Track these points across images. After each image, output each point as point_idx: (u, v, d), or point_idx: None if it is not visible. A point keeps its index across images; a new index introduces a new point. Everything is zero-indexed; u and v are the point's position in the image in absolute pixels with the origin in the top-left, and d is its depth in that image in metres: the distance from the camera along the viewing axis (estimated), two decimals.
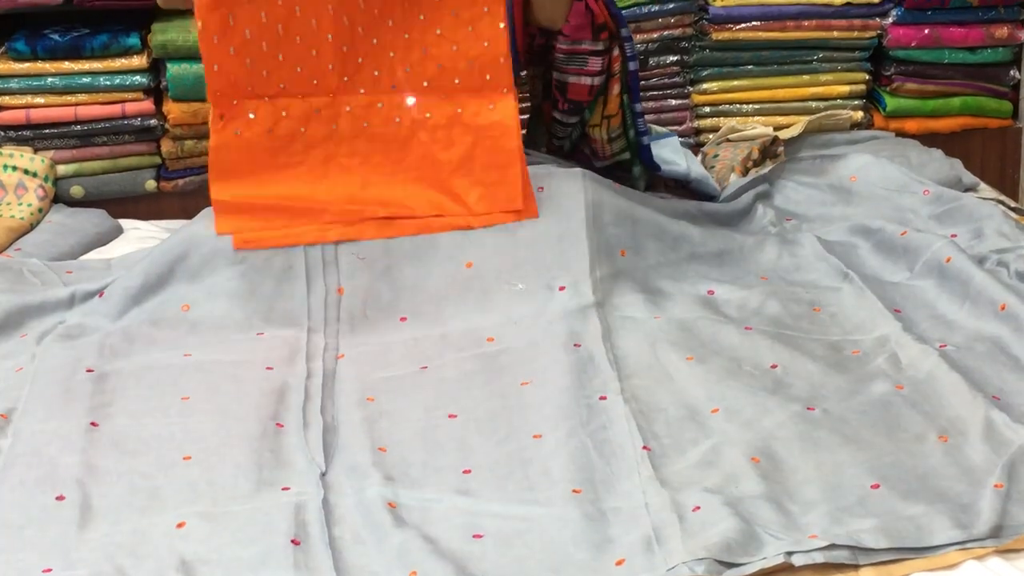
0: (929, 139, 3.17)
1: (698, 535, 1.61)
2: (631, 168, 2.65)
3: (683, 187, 2.70)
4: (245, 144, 2.35)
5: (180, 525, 1.71)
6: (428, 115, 2.38)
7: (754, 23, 3.28)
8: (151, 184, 3.19)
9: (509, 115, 2.37)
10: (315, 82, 2.38)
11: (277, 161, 2.36)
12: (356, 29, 2.38)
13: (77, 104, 3.11)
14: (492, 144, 2.38)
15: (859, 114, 3.32)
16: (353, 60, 2.39)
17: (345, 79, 2.39)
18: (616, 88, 2.61)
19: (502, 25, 2.36)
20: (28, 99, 3.10)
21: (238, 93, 2.35)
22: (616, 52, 2.59)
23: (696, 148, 3.22)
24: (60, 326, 2.30)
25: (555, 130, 2.70)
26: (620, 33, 2.58)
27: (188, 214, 2.61)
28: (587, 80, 2.60)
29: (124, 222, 3.01)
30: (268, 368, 2.13)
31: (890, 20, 3.31)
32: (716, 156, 2.98)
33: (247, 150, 2.35)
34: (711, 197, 2.70)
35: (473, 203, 2.36)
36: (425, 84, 2.39)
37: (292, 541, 1.65)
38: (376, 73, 2.39)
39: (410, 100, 2.39)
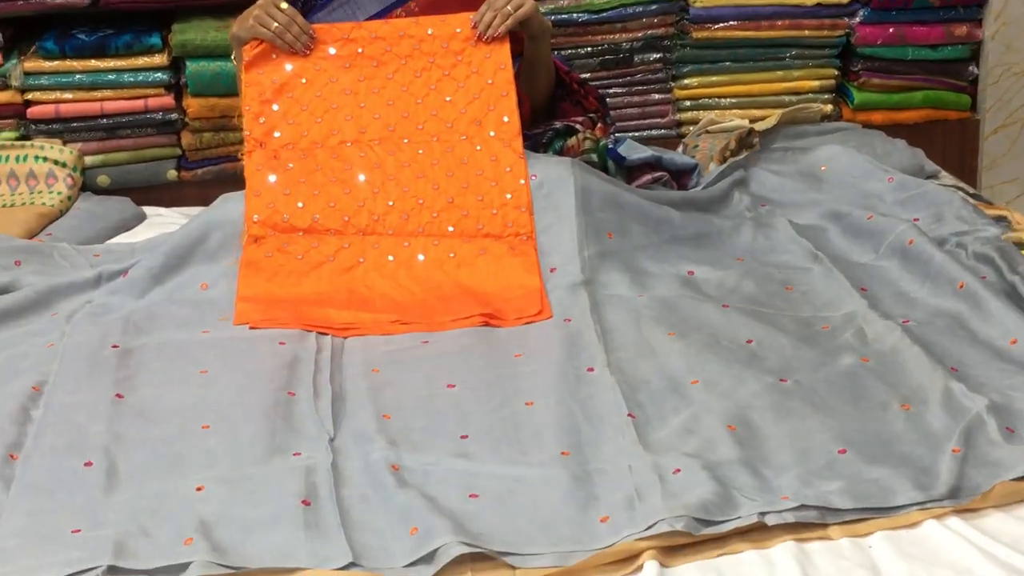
0: (893, 130, 3.17)
1: (678, 496, 1.61)
2: (604, 168, 2.63)
3: (659, 180, 2.67)
4: (275, 264, 2.33)
5: (199, 488, 1.71)
6: (452, 255, 2.34)
7: (731, 23, 3.28)
8: (172, 174, 3.19)
9: (530, 255, 2.32)
10: (346, 219, 2.37)
11: (302, 281, 2.32)
12: (387, 176, 2.40)
13: (103, 99, 3.11)
14: (515, 271, 2.31)
15: (829, 107, 3.33)
16: (383, 202, 2.38)
17: (375, 218, 2.37)
18: (599, 135, 2.66)
19: (523, 182, 2.37)
20: (57, 95, 3.10)
21: (276, 228, 2.35)
22: (600, 125, 2.67)
23: (678, 140, 3.23)
24: (88, 305, 2.30)
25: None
26: (606, 119, 2.68)
27: (206, 201, 2.61)
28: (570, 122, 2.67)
29: (147, 209, 3.01)
30: (280, 343, 2.13)
31: (857, 19, 3.31)
32: (696, 147, 2.98)
33: (276, 270, 2.32)
34: (688, 172, 2.69)
35: (491, 311, 2.23)
36: (450, 229, 2.36)
37: (303, 502, 1.65)
38: (404, 217, 2.37)
39: (435, 242, 2.35)
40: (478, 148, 2.42)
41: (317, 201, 2.38)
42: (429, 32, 2.47)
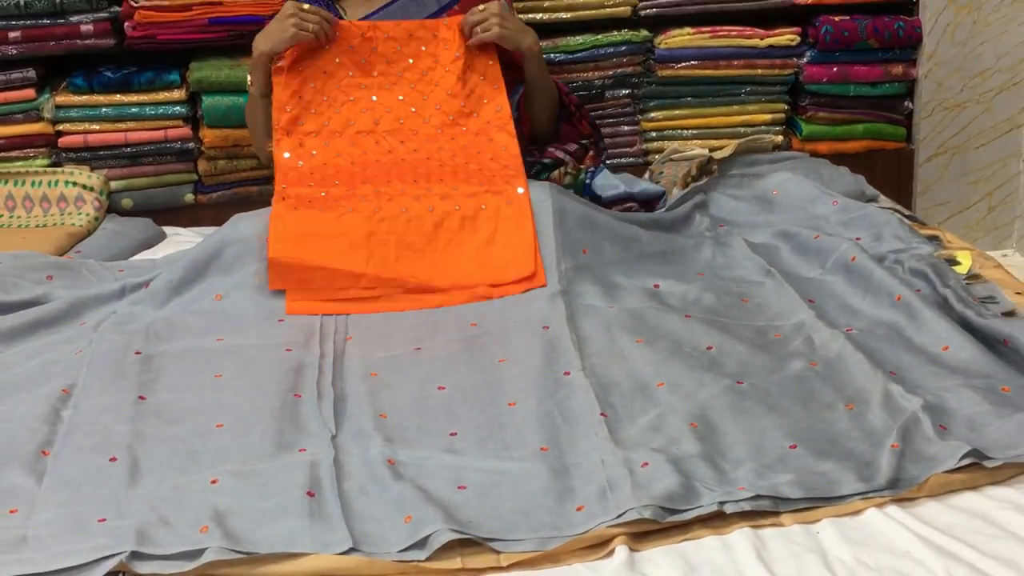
0: (838, 159, 3.17)
1: (646, 487, 1.61)
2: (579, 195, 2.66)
3: (629, 209, 2.69)
4: (299, 218, 2.34)
5: (214, 482, 1.70)
6: (457, 207, 2.36)
7: (692, 62, 3.29)
8: (189, 197, 3.18)
9: (524, 208, 2.36)
10: (364, 181, 2.42)
11: (326, 230, 2.33)
12: (399, 158, 2.46)
13: (127, 130, 3.10)
14: (511, 227, 2.36)
15: (779, 138, 3.33)
16: (397, 172, 2.44)
17: (389, 181, 2.42)
18: (589, 163, 2.72)
19: (515, 154, 2.44)
20: (86, 126, 3.09)
21: (300, 191, 2.39)
22: (592, 152, 2.73)
23: (644, 167, 3.23)
24: (113, 315, 2.29)
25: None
26: (599, 144, 2.74)
27: (220, 222, 2.60)
28: (560, 152, 2.70)
29: (167, 229, 2.99)
30: (288, 349, 2.12)
31: (805, 60, 3.32)
32: (661, 173, 2.98)
33: (301, 222, 2.33)
34: (657, 196, 2.70)
35: (492, 276, 2.31)
36: (455, 190, 2.40)
37: (308, 493, 1.65)
38: (415, 181, 2.42)
39: (442, 197, 2.38)
40: (476, 134, 2.49)
41: (339, 173, 2.44)
42: (434, 35, 2.56)
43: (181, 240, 2.88)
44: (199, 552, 1.54)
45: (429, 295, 2.28)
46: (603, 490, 1.63)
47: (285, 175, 2.43)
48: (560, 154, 2.72)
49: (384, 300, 2.28)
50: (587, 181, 2.64)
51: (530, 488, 1.66)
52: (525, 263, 2.30)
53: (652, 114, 3.35)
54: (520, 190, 2.38)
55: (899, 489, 1.63)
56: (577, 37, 3.25)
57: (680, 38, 3.26)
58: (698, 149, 3.08)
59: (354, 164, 2.46)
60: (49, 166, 3.08)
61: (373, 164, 2.45)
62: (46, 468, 1.76)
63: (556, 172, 2.66)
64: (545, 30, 3.26)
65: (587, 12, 3.24)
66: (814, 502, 1.62)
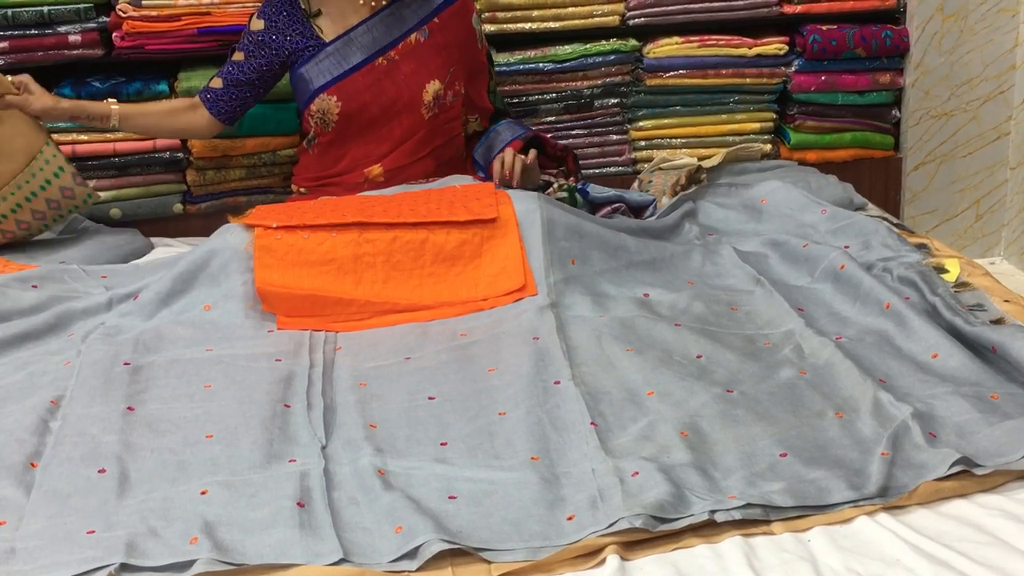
0: (826, 167, 3.19)
1: (636, 496, 1.61)
2: (573, 202, 2.68)
3: (617, 210, 2.71)
4: (285, 246, 2.33)
5: (203, 492, 1.70)
6: (442, 225, 2.36)
7: (681, 71, 3.30)
8: (178, 207, 3.18)
9: (509, 221, 2.37)
10: (346, 206, 2.41)
11: (312, 257, 2.32)
12: (380, 197, 2.48)
13: (115, 140, 3.09)
14: (498, 242, 2.36)
15: (768, 147, 3.34)
16: (379, 204, 2.43)
17: (372, 206, 2.42)
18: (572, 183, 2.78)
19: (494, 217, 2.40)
20: (74, 136, 3.08)
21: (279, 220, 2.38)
22: (572, 178, 2.81)
23: (633, 176, 3.24)
24: (101, 326, 2.28)
25: None
26: (578, 176, 2.82)
27: (208, 232, 2.60)
28: (546, 177, 2.81)
29: (155, 239, 2.99)
30: (277, 359, 2.12)
31: (793, 69, 3.33)
32: (650, 182, 2.99)
33: (287, 250, 2.32)
34: (647, 205, 2.71)
35: (482, 291, 2.31)
36: (438, 210, 2.39)
37: (298, 503, 1.65)
38: (399, 204, 2.42)
39: (430, 229, 2.37)
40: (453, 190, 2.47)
41: (323, 205, 2.45)
42: (466, 206, 2.45)
43: (169, 251, 2.86)
44: (189, 563, 1.53)
45: (420, 311, 2.28)
46: (594, 499, 1.63)
47: (265, 215, 2.41)
48: (546, 178, 2.79)
49: (376, 319, 2.29)
50: (580, 187, 2.67)
51: (521, 497, 1.66)
52: (514, 276, 2.30)
53: (641, 123, 3.35)
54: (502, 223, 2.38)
55: (889, 497, 1.63)
56: (566, 46, 3.26)
57: (669, 47, 3.27)
58: (687, 158, 3.09)
59: (337, 199, 2.47)
60: None
61: (356, 198, 2.47)
62: (35, 480, 1.75)
63: (550, 190, 2.69)
64: (534, 39, 3.27)
65: (576, 21, 3.25)
66: (805, 510, 1.62)
